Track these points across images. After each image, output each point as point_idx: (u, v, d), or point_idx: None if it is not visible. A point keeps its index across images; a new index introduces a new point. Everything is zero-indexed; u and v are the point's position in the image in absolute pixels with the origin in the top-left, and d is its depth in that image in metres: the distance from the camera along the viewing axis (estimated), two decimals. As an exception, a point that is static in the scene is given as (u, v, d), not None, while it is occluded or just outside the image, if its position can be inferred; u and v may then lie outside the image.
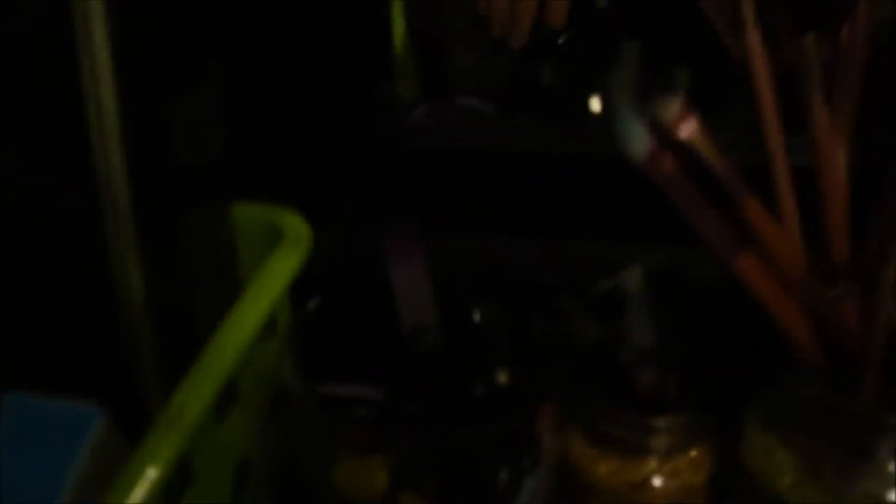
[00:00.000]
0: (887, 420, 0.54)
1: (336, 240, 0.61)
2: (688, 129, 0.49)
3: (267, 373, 0.60)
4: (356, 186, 0.66)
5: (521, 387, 0.56)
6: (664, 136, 0.48)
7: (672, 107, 0.48)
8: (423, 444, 0.56)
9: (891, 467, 0.55)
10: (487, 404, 0.55)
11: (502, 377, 0.56)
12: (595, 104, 0.65)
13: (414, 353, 0.60)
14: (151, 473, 0.44)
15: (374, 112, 0.69)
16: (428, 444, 0.56)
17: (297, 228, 0.61)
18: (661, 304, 0.58)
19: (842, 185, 0.54)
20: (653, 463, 0.63)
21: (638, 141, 0.48)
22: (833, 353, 0.55)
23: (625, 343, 0.58)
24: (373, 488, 0.58)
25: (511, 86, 0.72)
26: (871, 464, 0.56)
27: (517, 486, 0.59)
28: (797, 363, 0.58)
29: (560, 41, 0.68)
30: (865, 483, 0.56)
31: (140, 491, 0.43)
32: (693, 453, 0.63)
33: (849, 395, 0.55)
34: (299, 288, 0.63)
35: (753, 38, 0.50)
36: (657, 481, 0.62)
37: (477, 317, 0.58)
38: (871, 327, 0.52)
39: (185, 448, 0.48)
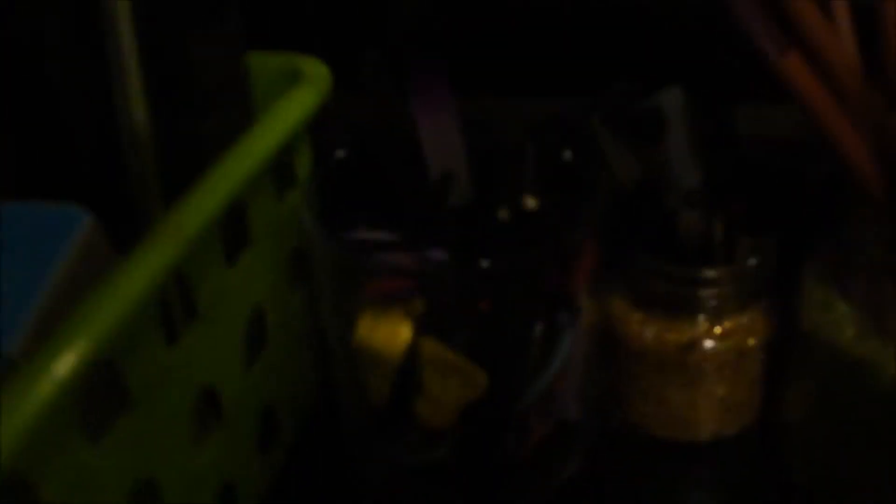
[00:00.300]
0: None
1: (361, 93, 0.56)
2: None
3: (285, 224, 0.56)
4: (381, 34, 0.62)
5: (555, 216, 0.51)
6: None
7: None
8: (449, 287, 0.51)
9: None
10: (516, 231, 0.50)
11: (530, 202, 0.51)
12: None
13: (442, 200, 0.55)
14: (143, 278, 0.40)
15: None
16: (455, 288, 0.51)
17: (315, 69, 0.57)
18: (705, 137, 0.53)
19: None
20: (702, 323, 0.57)
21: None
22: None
23: (666, 181, 0.53)
24: (396, 341, 0.53)
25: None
26: None
27: (553, 342, 0.54)
28: (858, 209, 0.53)
29: None
30: None
31: (129, 293, 0.39)
32: (747, 312, 0.58)
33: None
34: (324, 142, 0.60)
35: None
36: (707, 343, 0.57)
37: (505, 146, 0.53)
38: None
39: (184, 267, 0.45)
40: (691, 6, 0.51)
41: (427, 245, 0.53)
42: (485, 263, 0.49)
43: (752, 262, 0.57)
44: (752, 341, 0.58)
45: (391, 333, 0.54)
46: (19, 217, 0.41)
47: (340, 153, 0.58)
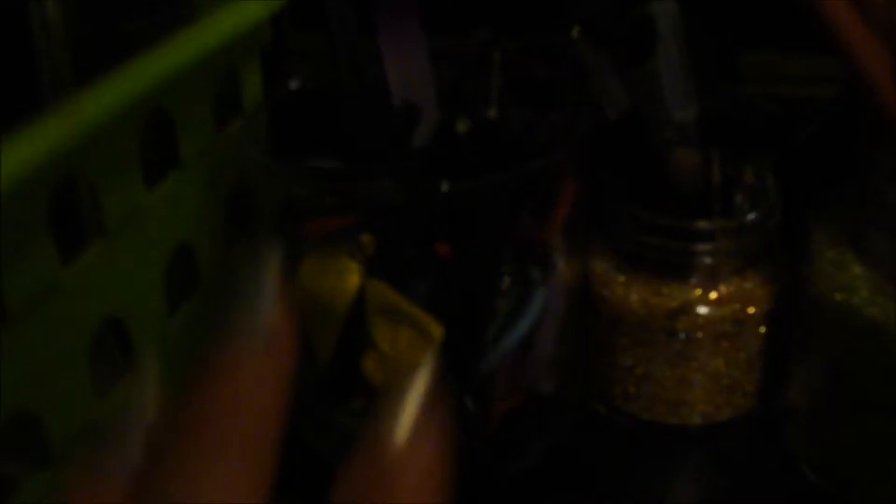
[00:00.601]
0: None
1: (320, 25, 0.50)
2: None
3: (225, 158, 0.49)
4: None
5: (527, 133, 0.44)
6: None
7: None
8: (403, 220, 0.44)
9: None
10: (480, 150, 0.43)
11: (491, 112, 0.44)
12: None
13: (405, 132, 0.48)
14: (22, 157, 0.32)
15: None
16: (410, 221, 0.44)
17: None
18: (702, 63, 0.46)
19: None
20: (695, 286, 0.50)
21: None
22: None
23: (655, 111, 0.46)
24: (342, 288, 0.47)
25: None
26: None
27: (523, 299, 0.47)
28: (876, 155, 0.46)
29: None
30: None
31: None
32: (747, 275, 0.51)
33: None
34: (277, 76, 0.53)
35: None
36: (701, 310, 0.50)
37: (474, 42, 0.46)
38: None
39: (89, 170, 0.38)
40: None
41: (382, 177, 0.46)
42: (444, 186, 0.41)
43: (754, 214, 0.49)
44: (752, 310, 0.51)
45: (337, 279, 0.47)
46: None
47: (294, 83, 0.51)
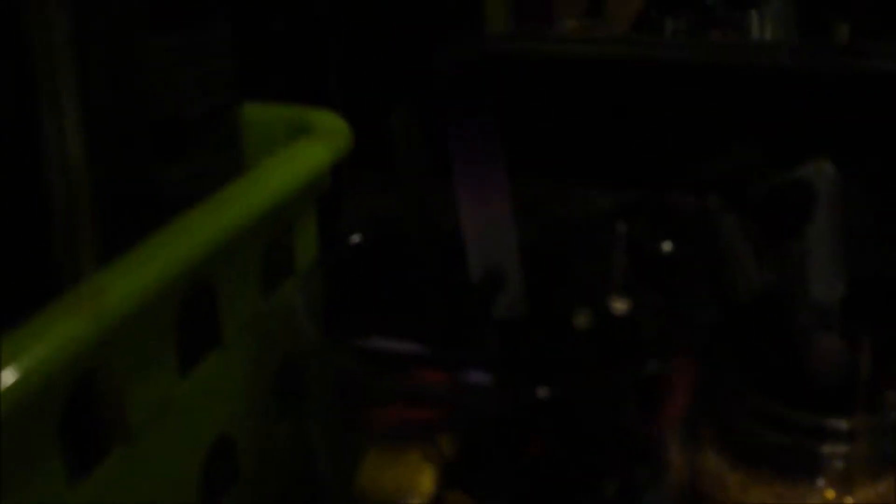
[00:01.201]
0: None
1: (386, 166, 0.43)
2: None
3: (273, 327, 0.41)
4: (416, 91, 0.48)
5: (646, 326, 0.36)
6: None
7: None
8: (491, 422, 0.36)
9: None
10: (590, 345, 0.35)
11: (619, 305, 0.36)
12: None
13: (485, 307, 0.40)
14: (34, 365, 0.25)
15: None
16: (499, 424, 0.36)
17: (329, 122, 0.43)
18: (856, 237, 0.38)
19: None
20: (826, 491, 0.42)
21: None
22: None
23: (797, 292, 0.38)
24: (411, 492, 0.39)
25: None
26: None
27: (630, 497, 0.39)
28: None
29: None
30: None
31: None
32: (884, 480, 0.43)
33: None
34: (336, 231, 0.48)
35: None
36: (832, 518, 0.42)
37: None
38: None
39: (110, 360, 0.30)
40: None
41: (463, 364, 0.39)
42: (542, 392, 0.34)
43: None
44: None
45: (406, 481, 0.39)
46: None
47: (356, 238, 0.44)
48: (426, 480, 0.40)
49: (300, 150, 0.41)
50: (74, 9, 0.33)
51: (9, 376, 0.25)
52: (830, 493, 0.44)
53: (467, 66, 0.51)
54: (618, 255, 0.38)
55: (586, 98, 0.54)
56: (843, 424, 0.42)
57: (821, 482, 0.44)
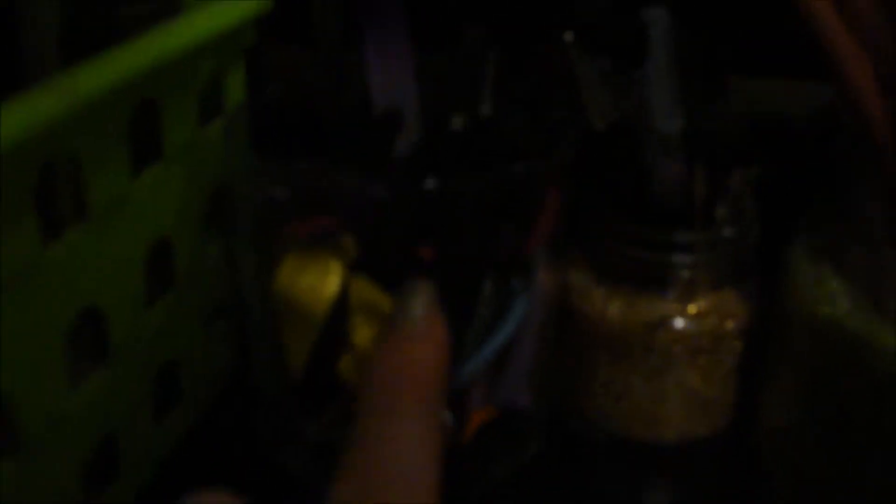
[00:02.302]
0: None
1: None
2: None
3: (205, 154, 0.49)
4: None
5: (518, 136, 0.44)
6: None
7: None
8: (389, 221, 0.44)
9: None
10: (470, 147, 0.43)
11: (486, 108, 0.44)
12: None
13: (387, 137, 0.48)
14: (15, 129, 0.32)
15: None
16: (395, 222, 0.44)
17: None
18: (690, 77, 0.47)
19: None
20: (674, 300, 0.51)
21: None
22: None
23: (642, 123, 0.46)
24: (322, 290, 0.46)
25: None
26: None
27: (503, 308, 0.47)
28: (855, 175, 0.48)
29: None
30: None
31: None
32: (725, 290, 0.52)
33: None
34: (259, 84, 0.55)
35: None
36: (679, 323, 0.51)
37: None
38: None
39: (77, 152, 0.38)
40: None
41: (366, 180, 0.46)
42: (430, 184, 0.41)
43: (733, 229, 0.50)
44: (730, 324, 0.52)
45: (317, 279, 0.47)
46: None
47: (275, 87, 0.51)
48: (335, 276, 0.47)
49: (230, 3, 0.48)
50: None
51: (6, 130, 0.32)
52: (676, 304, 0.52)
53: None
54: (488, 76, 0.46)
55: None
56: (685, 237, 0.50)
57: (671, 293, 0.52)
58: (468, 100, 0.47)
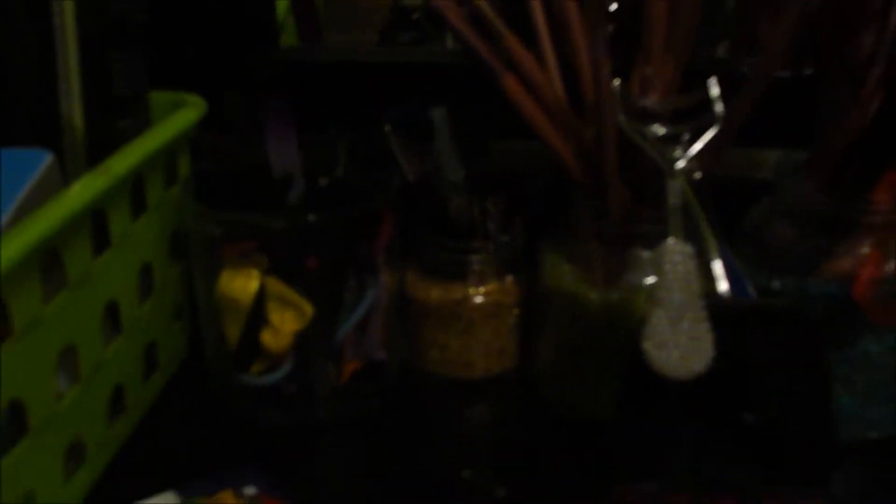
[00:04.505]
0: (636, 229, 0.72)
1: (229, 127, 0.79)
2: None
3: (169, 207, 0.78)
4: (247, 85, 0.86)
5: (361, 184, 0.74)
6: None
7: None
8: (285, 244, 0.73)
9: (645, 256, 0.72)
10: (334, 197, 0.74)
11: (339, 170, 0.75)
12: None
13: (283, 192, 0.77)
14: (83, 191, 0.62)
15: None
16: (289, 245, 0.73)
17: (194, 100, 0.80)
18: (467, 148, 0.77)
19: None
20: (471, 285, 0.79)
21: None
22: (590, 169, 0.72)
23: (439, 175, 0.77)
24: (247, 289, 0.73)
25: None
26: (630, 258, 0.73)
27: (360, 294, 0.75)
28: (575, 199, 0.76)
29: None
30: (627, 275, 0.73)
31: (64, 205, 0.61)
32: (504, 278, 0.80)
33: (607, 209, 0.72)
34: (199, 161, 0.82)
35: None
36: (476, 300, 0.79)
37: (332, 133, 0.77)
38: (605, 155, 0.70)
39: (108, 191, 0.65)
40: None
41: (270, 218, 0.75)
42: (312, 218, 0.71)
43: (505, 238, 0.80)
44: (508, 299, 0.80)
45: (244, 283, 0.74)
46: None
47: (211, 163, 0.80)
48: (254, 280, 0.74)
49: (181, 113, 0.78)
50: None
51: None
52: (472, 288, 0.82)
53: (269, 67, 0.89)
54: (341, 154, 0.77)
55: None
56: (475, 244, 0.80)
57: (470, 281, 0.81)
58: (331, 166, 0.77)
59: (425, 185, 0.77)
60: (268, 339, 0.74)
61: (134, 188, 0.71)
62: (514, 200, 0.80)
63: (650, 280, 0.71)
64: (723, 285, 0.66)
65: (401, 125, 0.75)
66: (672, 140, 0.67)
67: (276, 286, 0.73)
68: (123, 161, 0.66)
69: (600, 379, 0.75)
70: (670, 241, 0.65)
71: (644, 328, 0.64)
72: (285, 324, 0.74)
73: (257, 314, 0.74)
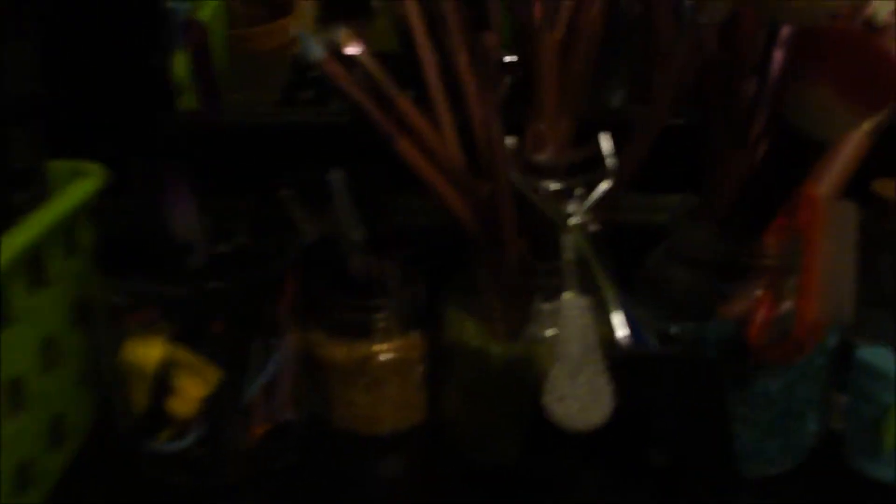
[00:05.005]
0: (534, 282, 0.73)
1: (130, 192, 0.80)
2: (354, 49, 0.71)
3: (71, 278, 0.78)
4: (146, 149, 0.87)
5: (263, 249, 0.75)
6: (337, 52, 0.70)
7: (343, 33, 0.71)
8: (190, 310, 0.74)
9: (545, 308, 0.74)
10: (236, 263, 0.74)
11: (241, 238, 0.75)
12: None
13: (183, 258, 0.78)
14: None
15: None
16: (194, 309, 0.74)
17: (94, 169, 0.80)
18: (366, 207, 0.78)
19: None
20: (377, 342, 0.81)
21: (316, 52, 0.69)
22: (488, 225, 0.74)
23: (339, 235, 0.78)
24: (150, 356, 0.74)
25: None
26: (530, 311, 0.74)
27: (266, 356, 0.76)
28: (475, 255, 0.77)
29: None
30: (529, 326, 0.75)
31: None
32: (409, 334, 0.81)
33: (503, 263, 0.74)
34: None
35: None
36: (381, 357, 0.80)
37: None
38: (502, 212, 0.71)
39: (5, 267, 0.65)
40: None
41: (171, 287, 0.76)
42: (212, 284, 0.72)
43: (406, 294, 0.81)
44: (413, 354, 0.81)
45: (147, 351, 0.74)
46: None
47: (113, 230, 0.80)
48: (157, 348, 0.76)
49: (80, 183, 0.78)
50: None
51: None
52: (378, 345, 0.82)
53: (168, 131, 0.90)
54: (241, 223, 0.78)
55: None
56: (377, 301, 0.81)
57: (372, 337, 0.82)
58: (233, 230, 0.78)
59: (326, 245, 0.78)
60: (174, 405, 0.75)
61: (33, 261, 0.70)
62: (414, 257, 0.81)
63: (551, 332, 0.72)
64: (621, 333, 0.68)
65: (299, 189, 0.76)
66: (566, 194, 0.70)
67: (180, 353, 0.74)
68: (20, 236, 0.66)
69: (505, 426, 0.77)
70: (566, 295, 0.67)
71: (545, 382, 0.65)
72: (191, 390, 0.75)
73: (162, 382, 0.74)
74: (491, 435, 0.78)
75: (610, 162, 0.69)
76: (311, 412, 0.83)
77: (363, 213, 0.77)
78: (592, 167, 0.70)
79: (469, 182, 0.73)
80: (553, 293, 0.69)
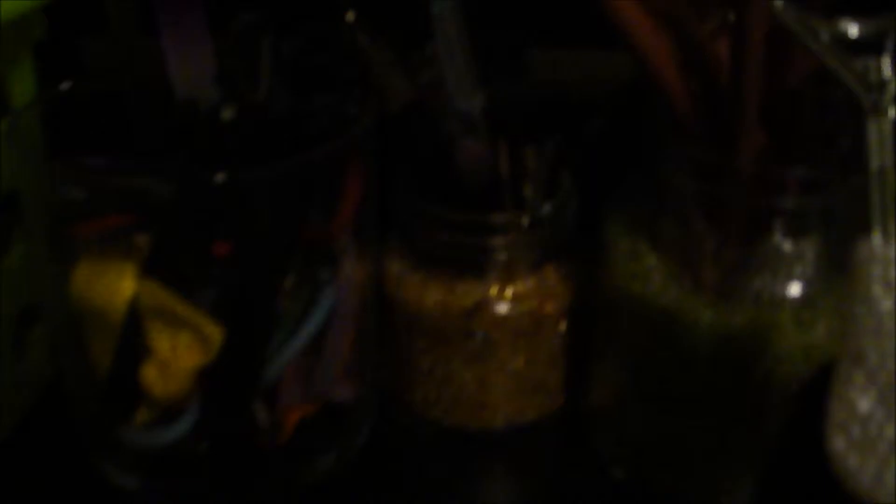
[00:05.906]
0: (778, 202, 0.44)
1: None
2: None
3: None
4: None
5: (295, 120, 0.43)
6: None
7: None
8: (180, 215, 0.43)
9: (787, 247, 0.43)
10: (258, 138, 0.42)
11: (259, 97, 0.43)
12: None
13: (186, 127, 0.47)
14: None
15: None
16: (186, 216, 0.42)
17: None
18: (491, 57, 0.46)
19: None
20: (492, 284, 0.50)
21: None
22: (709, 99, 0.44)
23: (440, 102, 0.45)
24: (118, 292, 0.45)
25: None
26: (765, 254, 0.45)
27: (309, 301, 0.46)
28: (665, 145, 0.48)
29: None
30: (751, 276, 0.45)
31: None
32: (544, 272, 0.52)
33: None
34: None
35: None
36: (498, 308, 0.50)
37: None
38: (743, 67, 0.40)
39: None
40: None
41: (160, 173, 0.45)
42: (220, 178, 0.40)
43: (548, 207, 0.49)
44: (550, 306, 0.51)
45: (111, 282, 0.45)
46: None
47: (67, 83, 0.49)
48: (129, 278, 0.45)
49: None
50: None
51: None
52: (494, 288, 0.51)
53: None
54: (263, 61, 0.45)
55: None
56: (498, 219, 0.50)
57: (489, 277, 0.51)
58: (244, 86, 0.45)
59: (417, 119, 0.48)
60: (151, 376, 0.46)
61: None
62: (564, 146, 0.51)
63: (796, 290, 0.44)
64: None
65: (375, 14, 0.43)
66: (875, 48, 0.39)
67: (158, 296, 0.44)
68: None
69: (698, 441, 0.48)
70: (874, 239, 0.36)
71: (830, 406, 0.33)
72: (178, 354, 0.46)
73: (133, 338, 0.45)
74: (682, 462, 0.49)
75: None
76: (379, 391, 0.54)
77: (486, 68, 0.45)
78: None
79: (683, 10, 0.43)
80: (809, 224, 0.44)
